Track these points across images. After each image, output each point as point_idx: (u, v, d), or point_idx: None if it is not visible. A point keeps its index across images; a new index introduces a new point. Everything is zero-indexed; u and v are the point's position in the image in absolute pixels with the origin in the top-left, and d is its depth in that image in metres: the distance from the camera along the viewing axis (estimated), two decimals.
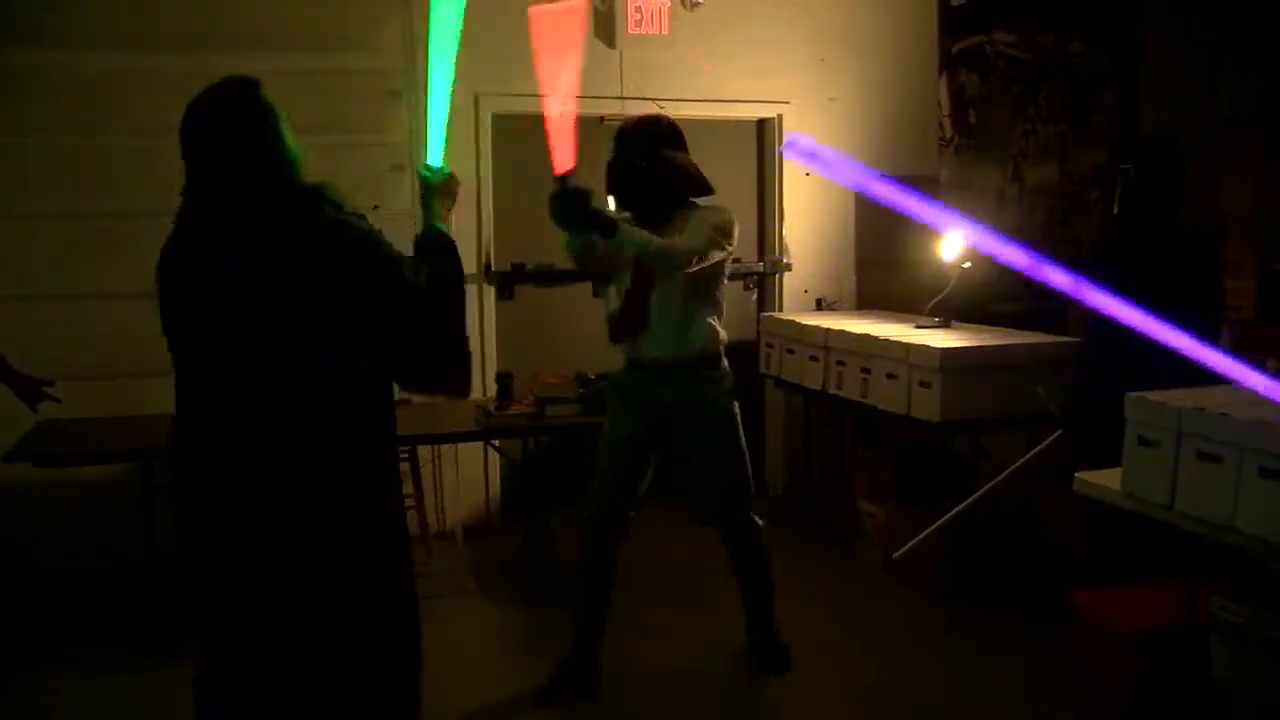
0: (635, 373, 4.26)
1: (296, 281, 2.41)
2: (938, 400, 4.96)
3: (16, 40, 5.47)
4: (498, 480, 6.37)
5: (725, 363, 4.30)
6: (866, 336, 5.44)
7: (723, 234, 4.03)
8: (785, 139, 6.70)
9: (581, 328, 6.45)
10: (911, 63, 6.92)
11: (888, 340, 5.30)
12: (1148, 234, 4.52)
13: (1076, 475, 3.87)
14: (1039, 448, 4.65)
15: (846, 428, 6.46)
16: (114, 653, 4.65)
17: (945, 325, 5.64)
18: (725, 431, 4.25)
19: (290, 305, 2.41)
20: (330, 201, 2.49)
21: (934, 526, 4.78)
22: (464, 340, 2.67)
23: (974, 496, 4.72)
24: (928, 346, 5.04)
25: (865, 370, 5.41)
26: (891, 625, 4.96)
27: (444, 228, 2.76)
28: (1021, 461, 4.67)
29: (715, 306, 4.20)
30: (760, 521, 4.39)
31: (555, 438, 5.59)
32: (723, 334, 4.26)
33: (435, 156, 2.88)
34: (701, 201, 4.18)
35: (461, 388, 2.70)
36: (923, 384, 5.03)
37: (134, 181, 5.60)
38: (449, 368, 2.63)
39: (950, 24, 6.86)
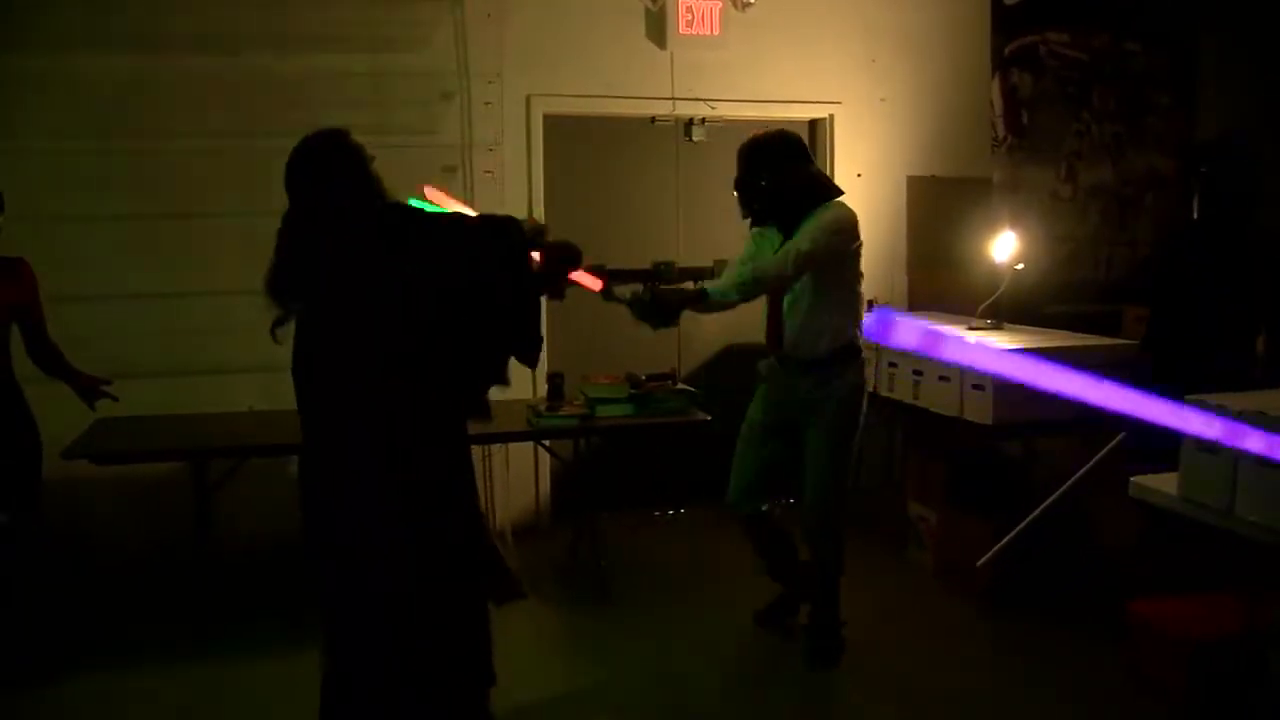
0: (778, 364, 4.49)
1: (389, 277, 2.95)
2: (990, 403, 4.92)
3: (78, 45, 5.55)
4: (548, 481, 6.38)
5: (858, 361, 4.41)
6: None
7: (829, 232, 4.19)
8: None
9: (633, 329, 6.44)
10: (964, 63, 6.86)
11: None
12: (1227, 236, 4.47)
13: (1132, 479, 3.82)
14: (1104, 451, 4.59)
15: (898, 430, 6.42)
16: (168, 647, 4.69)
17: (998, 327, 5.60)
18: (828, 432, 4.37)
19: (383, 300, 2.95)
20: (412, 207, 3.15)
21: (1013, 534, 4.73)
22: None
23: (1049, 501, 4.67)
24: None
25: (917, 373, 5.38)
26: (940, 629, 4.92)
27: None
28: (1089, 466, 4.62)
29: (841, 304, 4.33)
30: (840, 525, 4.52)
31: (605, 439, 5.60)
32: (852, 331, 4.37)
33: None
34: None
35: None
36: (975, 386, 5.00)
37: (190, 183, 5.69)
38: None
39: (1003, 24, 6.79)
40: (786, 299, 4.36)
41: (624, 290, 4.16)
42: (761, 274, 4.21)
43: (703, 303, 4.27)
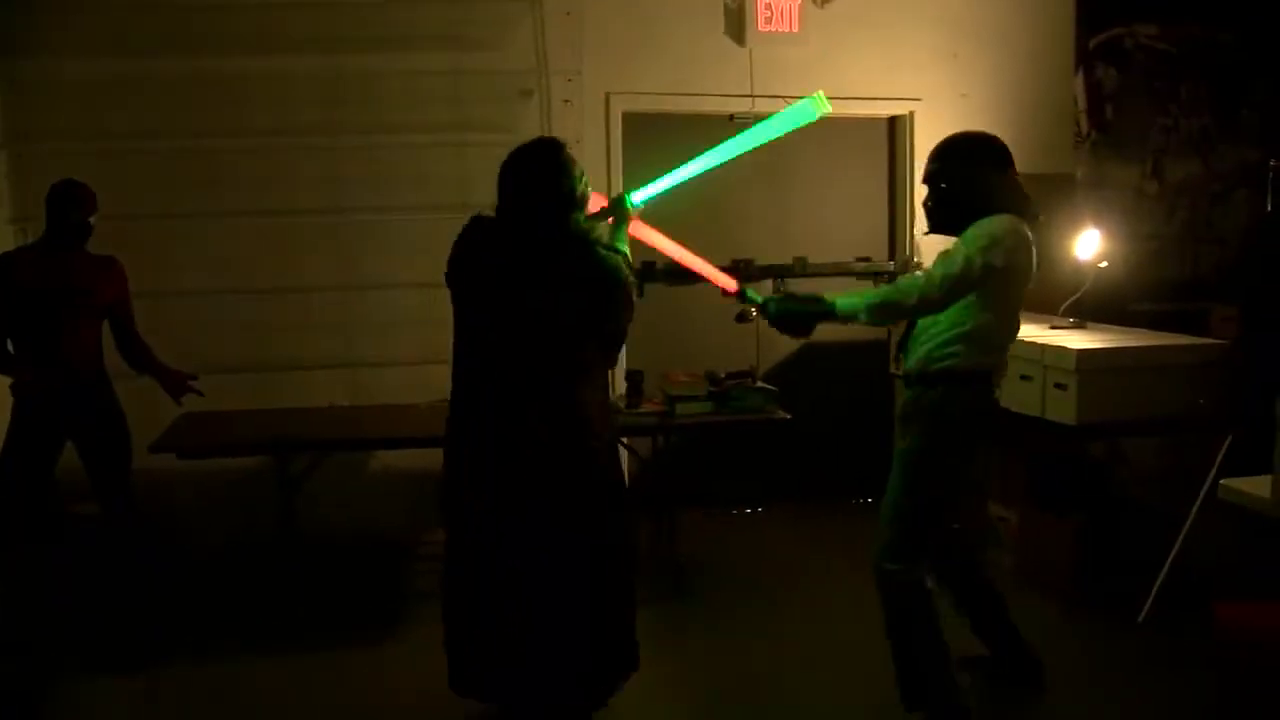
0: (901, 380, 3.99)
1: (562, 294, 3.45)
2: (1074, 403, 4.84)
3: (161, 49, 5.67)
4: (627, 478, 6.37)
5: (973, 389, 3.78)
6: None
7: (981, 248, 3.63)
8: None
9: (712, 326, 6.45)
10: (1046, 57, 6.75)
11: (1022, 341, 5.19)
12: None
13: (1222, 482, 3.76)
14: (1219, 457, 4.47)
15: None
16: (252, 637, 4.77)
17: (1081, 326, 5.51)
18: (901, 457, 3.80)
19: (554, 311, 3.46)
20: (595, 242, 3.59)
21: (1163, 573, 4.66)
22: None
23: (1186, 528, 4.62)
24: (1064, 347, 4.92)
25: None
26: (1021, 632, 4.85)
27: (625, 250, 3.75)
28: (1210, 478, 4.48)
29: (965, 321, 3.71)
30: (901, 572, 3.77)
31: (684, 436, 5.60)
32: (975, 355, 3.73)
33: (642, 197, 3.98)
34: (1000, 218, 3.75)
35: None
36: (1058, 386, 4.92)
37: (275, 180, 5.78)
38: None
39: (1087, 16, 6.70)
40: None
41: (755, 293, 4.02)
42: (898, 297, 3.70)
43: (833, 318, 3.77)
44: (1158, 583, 4.71)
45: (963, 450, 3.83)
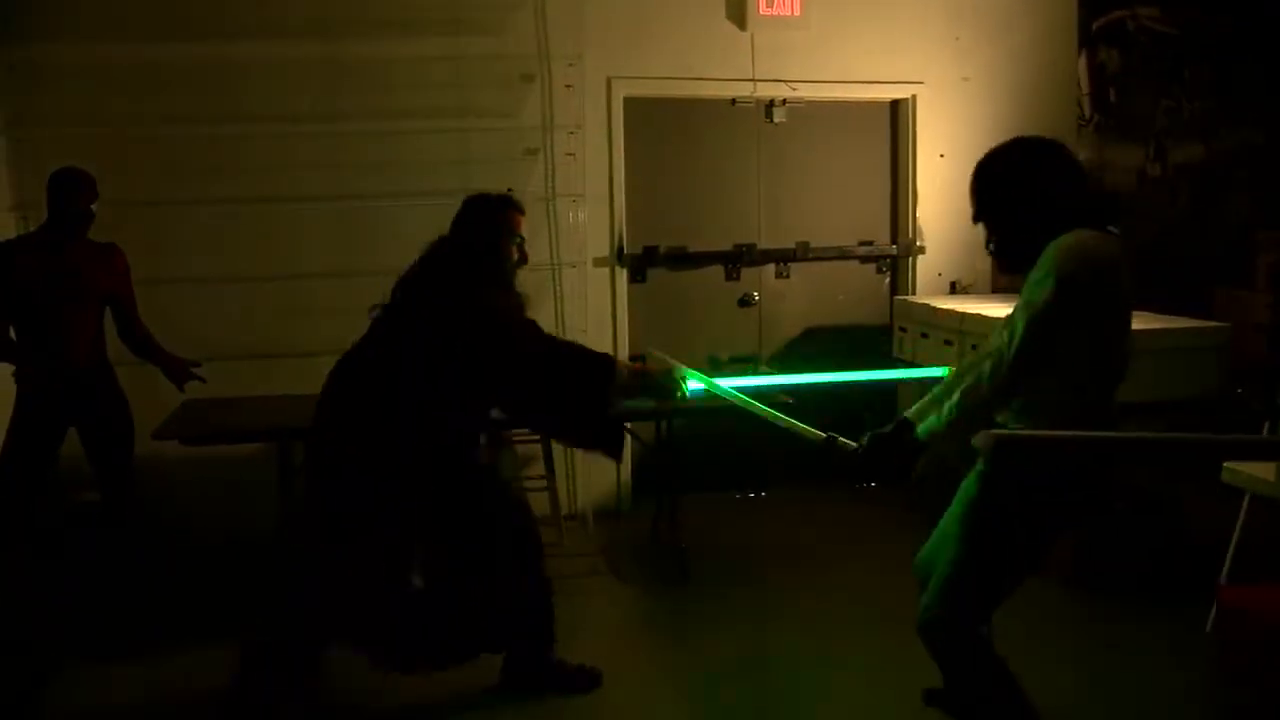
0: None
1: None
2: None
3: (167, 33, 5.65)
4: (629, 462, 6.39)
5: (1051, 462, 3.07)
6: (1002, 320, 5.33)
7: (1058, 278, 2.82)
8: None
9: (714, 311, 6.46)
10: (1049, 40, 6.74)
11: None
12: None
13: (1225, 464, 3.74)
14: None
15: None
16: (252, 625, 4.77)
17: None
18: (962, 510, 3.25)
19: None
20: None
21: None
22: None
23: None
24: None
25: None
26: (1021, 618, 4.80)
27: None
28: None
29: (1049, 381, 2.98)
30: (956, 627, 3.28)
31: (686, 421, 5.59)
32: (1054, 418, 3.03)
33: (693, 386, 3.88)
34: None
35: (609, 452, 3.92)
36: None
37: (273, 168, 5.78)
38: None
39: None
40: None
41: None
42: (970, 393, 2.89)
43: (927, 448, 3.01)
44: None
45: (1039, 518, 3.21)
